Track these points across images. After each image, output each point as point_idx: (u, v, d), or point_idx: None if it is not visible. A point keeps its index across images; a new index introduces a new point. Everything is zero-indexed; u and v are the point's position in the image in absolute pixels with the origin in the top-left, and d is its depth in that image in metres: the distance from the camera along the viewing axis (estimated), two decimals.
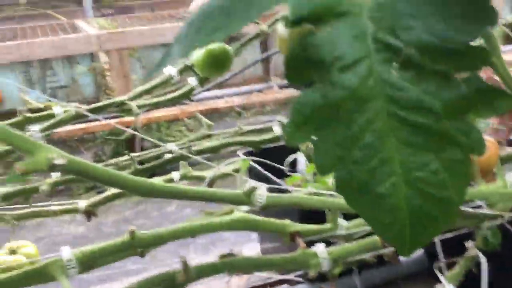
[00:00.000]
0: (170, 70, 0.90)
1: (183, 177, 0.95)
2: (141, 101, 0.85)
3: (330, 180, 0.61)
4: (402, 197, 0.25)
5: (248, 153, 1.02)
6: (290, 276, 0.89)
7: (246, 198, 0.47)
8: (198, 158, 0.80)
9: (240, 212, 0.58)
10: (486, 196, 0.62)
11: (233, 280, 1.03)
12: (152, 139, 0.86)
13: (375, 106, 0.23)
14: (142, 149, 1.71)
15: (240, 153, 1.02)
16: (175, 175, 0.93)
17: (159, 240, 0.53)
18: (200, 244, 1.79)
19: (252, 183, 0.47)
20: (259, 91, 2.84)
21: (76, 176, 0.40)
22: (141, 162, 0.93)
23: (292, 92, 2.73)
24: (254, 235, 1.96)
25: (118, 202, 2.61)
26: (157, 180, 0.89)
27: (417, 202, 0.25)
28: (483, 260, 0.65)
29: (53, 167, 0.36)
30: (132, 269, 1.47)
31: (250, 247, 1.57)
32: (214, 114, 2.71)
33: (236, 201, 0.47)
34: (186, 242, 1.99)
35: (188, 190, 0.47)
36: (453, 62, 0.22)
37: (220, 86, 2.63)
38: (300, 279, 0.89)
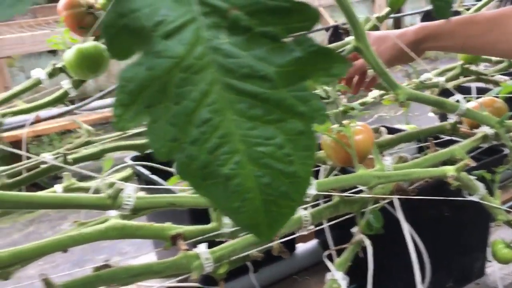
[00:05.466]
0: (39, 73, 0.82)
1: (67, 190, 0.87)
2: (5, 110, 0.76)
3: None
4: (249, 176, 0.23)
5: (137, 158, 0.96)
6: (183, 283, 0.85)
7: (111, 201, 0.42)
8: (74, 168, 0.74)
9: (116, 219, 0.53)
10: (365, 180, 0.64)
11: None
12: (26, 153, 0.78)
13: (207, 77, 0.21)
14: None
15: (127, 159, 0.97)
16: (57, 187, 0.86)
17: (20, 259, 0.47)
18: (98, 260, 1.69)
19: (120, 184, 0.42)
20: None
21: None
22: (13, 176, 0.84)
23: None
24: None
25: (4, 225, 2.37)
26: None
27: (266, 180, 0.23)
28: (368, 243, 0.67)
29: None
30: None
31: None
32: (110, 122, 2.58)
33: (100, 205, 0.43)
34: (82, 259, 1.85)
35: (43, 198, 0.41)
36: (282, 22, 0.21)
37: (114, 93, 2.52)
38: (198, 284, 0.86)
